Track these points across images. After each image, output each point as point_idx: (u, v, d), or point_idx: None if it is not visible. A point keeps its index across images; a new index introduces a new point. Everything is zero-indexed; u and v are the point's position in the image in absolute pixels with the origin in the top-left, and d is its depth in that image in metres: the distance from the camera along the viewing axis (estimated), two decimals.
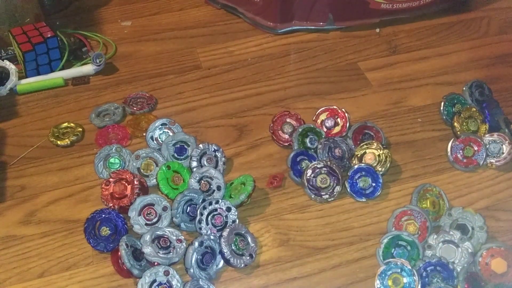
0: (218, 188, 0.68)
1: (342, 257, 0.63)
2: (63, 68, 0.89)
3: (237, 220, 0.65)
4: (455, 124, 0.75)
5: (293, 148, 0.73)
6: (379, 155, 0.70)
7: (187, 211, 0.65)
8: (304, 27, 0.96)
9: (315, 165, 0.69)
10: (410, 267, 0.58)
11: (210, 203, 0.64)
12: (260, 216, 0.67)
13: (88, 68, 0.89)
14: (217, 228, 0.64)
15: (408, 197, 0.68)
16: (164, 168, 0.69)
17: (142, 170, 0.71)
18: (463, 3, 1.00)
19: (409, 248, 0.61)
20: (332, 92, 0.85)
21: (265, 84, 0.87)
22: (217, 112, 0.82)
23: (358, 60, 0.90)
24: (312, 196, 0.68)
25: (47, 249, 0.65)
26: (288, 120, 0.76)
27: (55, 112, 0.83)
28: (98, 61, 0.88)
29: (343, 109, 0.76)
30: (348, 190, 0.68)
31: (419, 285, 0.57)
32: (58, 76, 0.87)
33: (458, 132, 0.74)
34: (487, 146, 0.72)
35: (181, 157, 0.73)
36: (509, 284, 0.58)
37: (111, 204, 0.66)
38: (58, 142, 0.77)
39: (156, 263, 0.60)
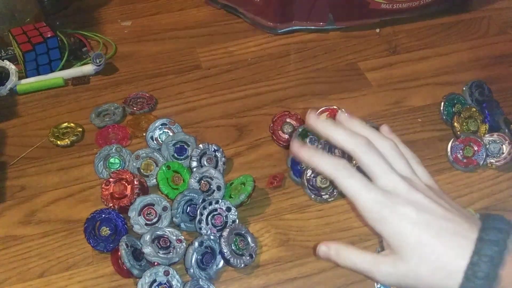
0: (218, 188, 0.68)
1: None
2: (63, 68, 0.89)
3: (237, 220, 0.65)
4: (455, 124, 0.75)
5: None
6: None
7: (187, 211, 0.65)
8: (304, 27, 0.96)
9: None
10: None
11: (210, 203, 0.64)
12: (260, 216, 0.67)
13: (88, 68, 0.89)
14: (217, 228, 0.64)
15: None
16: (164, 168, 0.69)
17: (142, 170, 0.71)
18: (463, 3, 1.00)
19: None
20: (332, 92, 0.85)
21: (265, 84, 0.87)
22: (217, 112, 0.82)
23: (358, 60, 0.90)
24: (312, 196, 0.68)
25: (47, 249, 0.65)
26: (288, 120, 0.76)
27: (55, 112, 0.83)
28: (98, 61, 0.88)
29: (343, 109, 0.76)
30: None
31: None
32: (58, 76, 0.87)
33: (458, 132, 0.74)
34: (487, 146, 0.72)
35: (181, 157, 0.73)
36: None
37: (111, 204, 0.66)
38: (58, 142, 0.77)
39: (156, 263, 0.60)
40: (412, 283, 0.42)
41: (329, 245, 0.47)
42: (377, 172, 0.45)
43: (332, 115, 0.76)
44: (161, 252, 0.61)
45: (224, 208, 0.65)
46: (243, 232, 0.63)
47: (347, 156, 0.71)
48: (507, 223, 0.41)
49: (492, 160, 0.72)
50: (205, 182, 0.68)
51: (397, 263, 0.42)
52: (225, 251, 0.60)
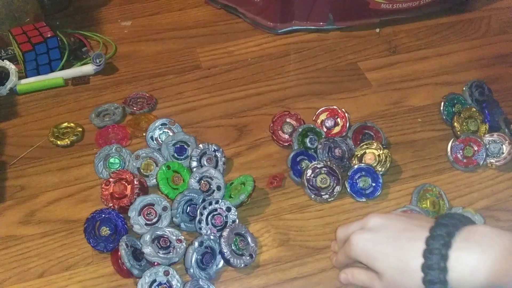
0: (218, 188, 0.68)
1: None
2: (63, 68, 0.89)
3: (237, 220, 0.65)
4: (455, 124, 0.75)
5: (293, 148, 0.73)
6: (379, 155, 0.70)
7: (187, 211, 0.65)
8: (304, 27, 0.96)
9: (315, 165, 0.69)
10: None
11: (210, 203, 0.64)
12: (260, 216, 0.67)
13: (88, 68, 0.89)
14: (217, 228, 0.64)
15: (408, 197, 0.68)
16: (164, 168, 0.69)
17: (142, 170, 0.71)
18: (463, 3, 1.00)
19: None
20: (332, 92, 0.85)
21: (265, 84, 0.87)
22: (217, 112, 0.82)
23: (358, 60, 0.90)
24: (312, 196, 0.68)
25: (47, 249, 0.65)
26: (288, 120, 0.76)
27: (55, 112, 0.83)
28: (98, 61, 0.88)
29: (343, 109, 0.76)
30: (348, 190, 0.68)
31: None
32: (58, 76, 0.87)
33: (458, 132, 0.74)
34: (487, 146, 0.72)
35: (181, 157, 0.73)
36: None
37: (111, 204, 0.66)
38: (58, 142, 0.77)
39: (156, 263, 0.60)
40: None
41: (346, 271, 0.56)
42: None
43: (332, 115, 0.76)
44: (161, 252, 0.61)
45: (224, 208, 0.65)
46: (243, 232, 0.63)
47: (347, 157, 0.72)
48: (455, 218, 0.47)
49: (492, 160, 0.72)
50: (205, 182, 0.68)
51: (382, 278, 0.49)
52: (225, 251, 0.60)
